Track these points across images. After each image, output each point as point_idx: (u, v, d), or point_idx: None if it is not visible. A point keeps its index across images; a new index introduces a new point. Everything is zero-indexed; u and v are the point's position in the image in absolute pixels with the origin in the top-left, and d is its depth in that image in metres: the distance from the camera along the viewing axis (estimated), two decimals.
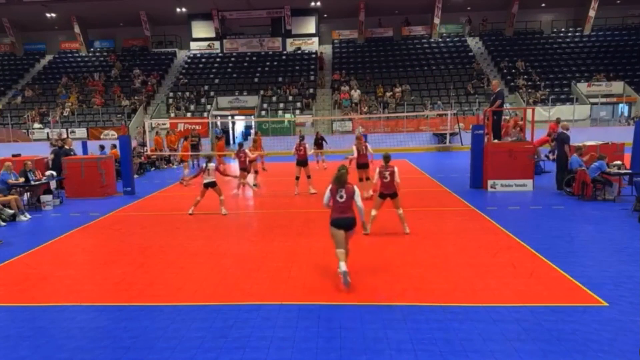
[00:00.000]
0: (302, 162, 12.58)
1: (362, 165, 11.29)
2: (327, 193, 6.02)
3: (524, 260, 6.67)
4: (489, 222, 8.94)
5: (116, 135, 24.24)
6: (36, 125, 28.61)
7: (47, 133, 27.53)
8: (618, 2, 32.91)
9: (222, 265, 6.88)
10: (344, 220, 5.82)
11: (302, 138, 13.23)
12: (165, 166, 20.59)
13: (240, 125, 34.27)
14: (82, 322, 5.10)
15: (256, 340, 4.56)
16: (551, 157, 16.82)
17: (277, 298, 5.54)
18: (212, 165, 10.36)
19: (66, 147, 14.73)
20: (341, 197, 5.85)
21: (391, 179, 7.97)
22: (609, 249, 7.19)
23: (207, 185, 10.27)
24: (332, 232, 5.88)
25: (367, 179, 11.22)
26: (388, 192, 8.01)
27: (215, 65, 34.33)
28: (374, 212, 8.21)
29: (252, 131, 24.52)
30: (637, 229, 8.12)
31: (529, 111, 14.96)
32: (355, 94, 28.19)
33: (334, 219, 5.87)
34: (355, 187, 5.96)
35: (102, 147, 16.46)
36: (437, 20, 33.82)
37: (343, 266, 5.66)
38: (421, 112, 25.82)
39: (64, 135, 23.54)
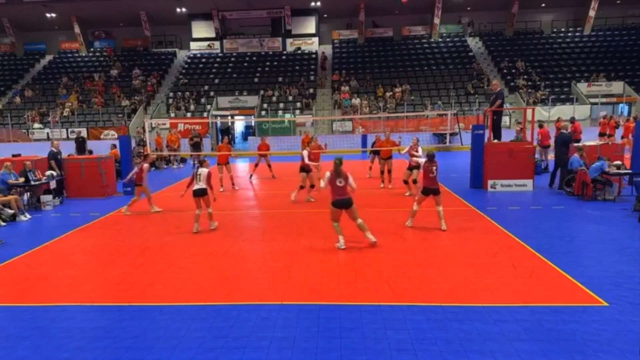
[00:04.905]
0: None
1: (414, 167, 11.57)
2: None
3: (524, 260, 6.67)
4: (489, 222, 8.95)
5: (116, 136, 24.23)
6: (36, 125, 28.58)
7: (47, 133, 27.52)
8: (618, 2, 32.91)
9: (222, 265, 6.88)
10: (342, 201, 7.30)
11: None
12: (165, 166, 20.58)
13: (240, 125, 34.32)
14: (82, 322, 5.10)
15: (256, 340, 4.56)
16: (540, 154, 16.63)
17: (277, 298, 5.54)
18: (203, 170, 8.85)
19: (53, 149, 13.16)
20: (340, 182, 7.22)
21: (435, 175, 8.39)
22: (609, 249, 7.18)
23: (197, 194, 8.84)
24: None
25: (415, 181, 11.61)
26: (433, 187, 8.35)
27: (215, 65, 34.30)
28: (415, 207, 8.65)
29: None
30: (637, 229, 8.13)
31: (529, 111, 15.00)
32: (356, 102, 28.14)
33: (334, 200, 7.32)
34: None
35: (90, 152, 16.72)
36: (437, 21, 33.81)
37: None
38: (421, 112, 25.81)
39: (83, 134, 23.36)
